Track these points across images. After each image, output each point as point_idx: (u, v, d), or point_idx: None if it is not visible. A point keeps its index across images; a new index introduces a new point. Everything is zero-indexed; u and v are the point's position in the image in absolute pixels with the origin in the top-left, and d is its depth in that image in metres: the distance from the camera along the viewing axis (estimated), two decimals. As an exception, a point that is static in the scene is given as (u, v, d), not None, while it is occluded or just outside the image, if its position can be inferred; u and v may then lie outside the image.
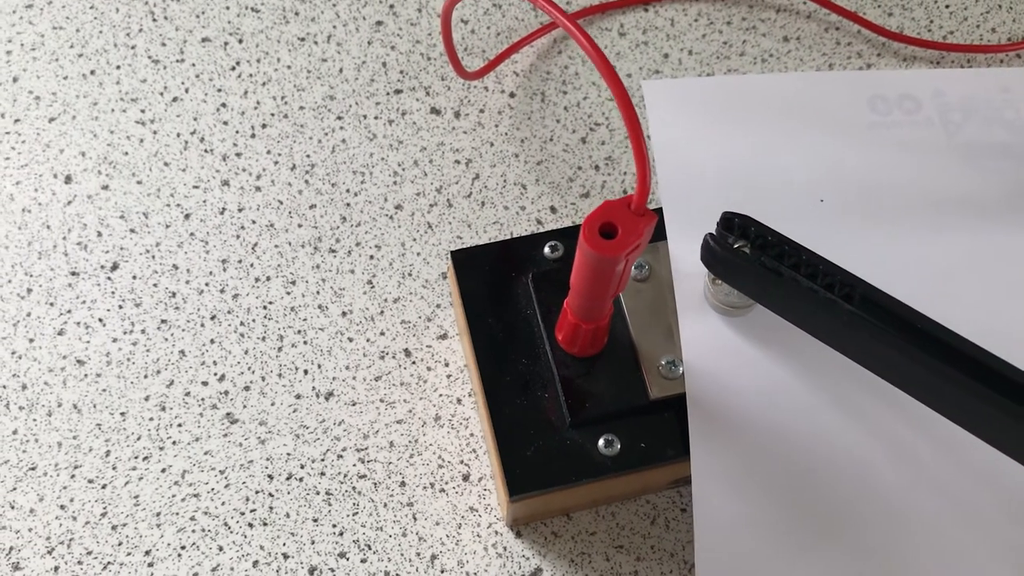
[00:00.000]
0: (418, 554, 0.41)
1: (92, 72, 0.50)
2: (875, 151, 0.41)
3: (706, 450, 0.37)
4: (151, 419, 0.43)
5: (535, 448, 0.38)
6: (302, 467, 0.43)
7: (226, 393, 0.44)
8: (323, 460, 0.43)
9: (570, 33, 0.30)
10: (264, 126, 0.49)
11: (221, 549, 0.41)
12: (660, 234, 0.40)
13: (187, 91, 0.50)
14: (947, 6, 0.53)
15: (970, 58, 0.51)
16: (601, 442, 0.38)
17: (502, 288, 0.40)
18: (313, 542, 0.42)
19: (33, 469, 0.43)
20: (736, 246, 0.35)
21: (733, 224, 0.35)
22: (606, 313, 0.36)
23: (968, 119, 0.42)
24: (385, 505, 0.42)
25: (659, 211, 0.40)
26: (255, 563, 0.41)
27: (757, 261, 0.35)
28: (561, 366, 0.38)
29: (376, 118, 0.49)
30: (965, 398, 0.32)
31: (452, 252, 0.41)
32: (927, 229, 0.40)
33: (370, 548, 0.41)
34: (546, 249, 0.41)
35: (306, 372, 0.44)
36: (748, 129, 0.41)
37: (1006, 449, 0.33)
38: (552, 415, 0.38)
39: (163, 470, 0.43)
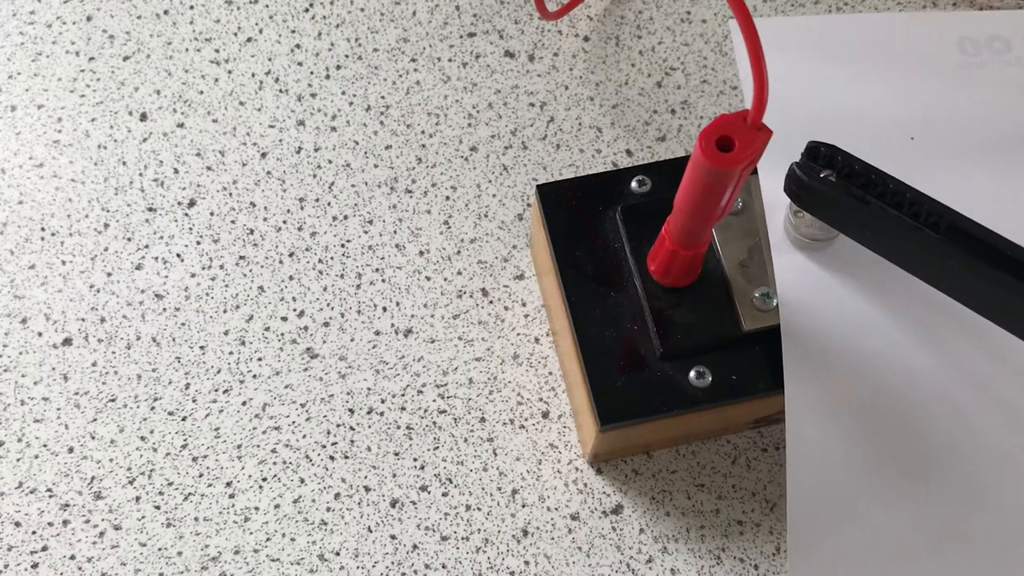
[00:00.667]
0: (499, 488, 0.41)
1: (166, 12, 0.50)
2: (965, 91, 0.41)
3: (800, 382, 0.37)
4: (231, 353, 0.43)
5: (625, 379, 0.38)
6: (382, 402, 0.43)
7: (305, 328, 0.44)
8: (403, 395, 0.43)
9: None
10: (338, 67, 0.49)
11: (303, 481, 0.41)
12: (751, 168, 0.40)
13: (261, 32, 0.50)
14: (1024, -44, 0.52)
15: (1048, 8, 0.51)
16: (692, 374, 0.37)
17: (588, 222, 0.40)
18: (395, 475, 0.42)
19: (113, 401, 0.43)
20: (822, 175, 0.35)
21: (819, 153, 0.35)
22: (706, 239, 0.35)
23: None
24: (466, 440, 0.42)
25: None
26: (336, 495, 0.41)
27: (844, 190, 0.34)
28: (652, 298, 0.38)
29: (450, 60, 0.49)
30: None
31: (538, 185, 0.41)
32: (1019, 168, 0.40)
33: (451, 482, 0.41)
34: (633, 184, 0.41)
35: (385, 309, 0.44)
36: (837, 68, 0.41)
37: None
38: (642, 347, 0.38)
39: (244, 403, 0.43)
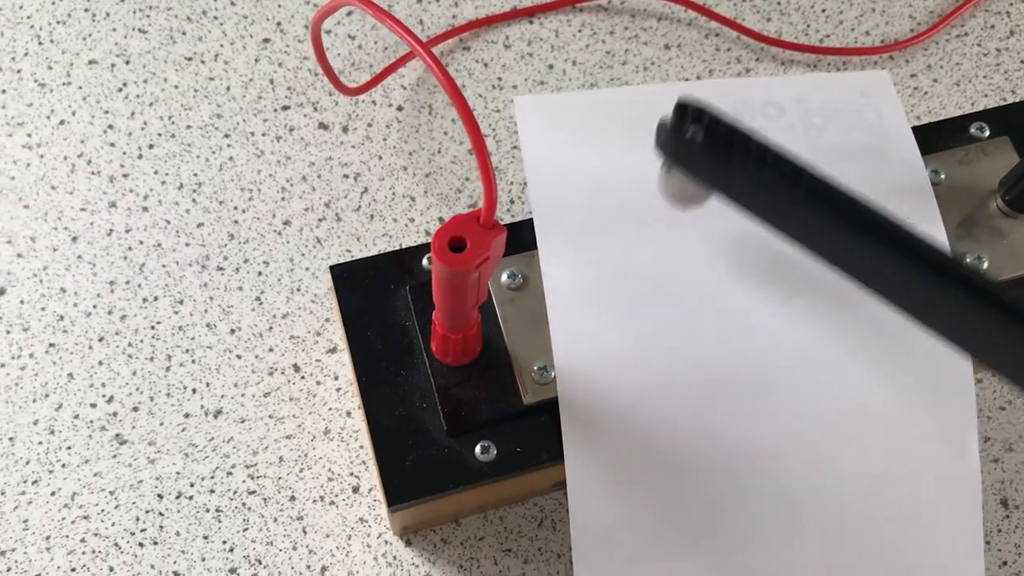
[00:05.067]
0: (308, 567, 0.42)
1: (-23, 97, 0.50)
2: None
3: (579, 452, 0.38)
4: (40, 443, 0.43)
5: (413, 458, 0.38)
6: (191, 485, 0.43)
7: (115, 414, 0.44)
8: (212, 478, 0.43)
9: (419, 56, 0.30)
10: (151, 146, 0.49)
11: (112, 570, 0.42)
12: (531, 243, 0.41)
13: (74, 114, 0.50)
14: (823, 10, 0.54)
15: (845, 60, 0.53)
16: (477, 449, 0.38)
17: (382, 301, 0.41)
18: (204, 559, 0.42)
19: (-80, 498, 0.43)
20: (689, 133, 0.35)
21: (687, 111, 0.36)
22: (472, 323, 0.36)
23: (829, 123, 0.43)
24: (275, 520, 0.43)
25: (529, 222, 0.41)
26: (145, 582, 0.42)
27: (709, 146, 0.35)
28: (438, 375, 0.39)
29: (264, 135, 0.50)
30: (900, 277, 0.33)
31: (331, 267, 0.41)
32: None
33: (260, 563, 0.42)
34: (424, 261, 0.42)
35: (195, 391, 0.45)
36: (616, 141, 0.42)
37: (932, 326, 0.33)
38: (430, 425, 0.39)
39: (52, 493, 0.43)
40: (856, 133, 0.43)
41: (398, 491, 0.38)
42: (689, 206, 0.39)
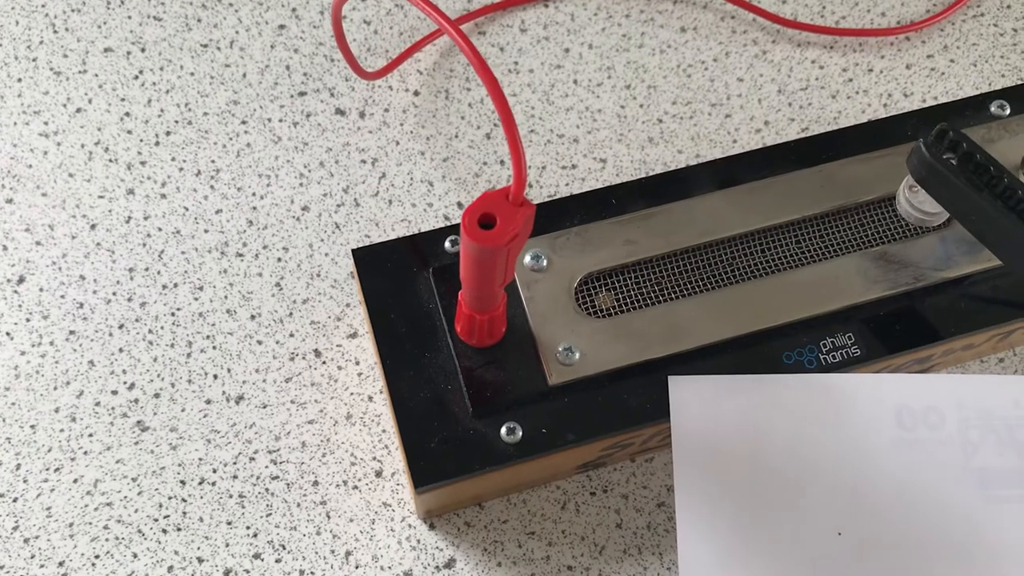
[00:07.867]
0: (332, 551, 0.42)
1: (-8, 86, 0.50)
2: (897, 474, 0.40)
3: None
4: (62, 430, 0.43)
5: (439, 440, 0.38)
6: (214, 471, 0.43)
7: (136, 401, 0.44)
8: (235, 463, 0.43)
9: (447, 33, 0.30)
10: (168, 133, 0.49)
11: (135, 556, 0.42)
12: (553, 225, 0.41)
13: (90, 102, 0.50)
14: (839, -8, 0.54)
15: (862, 42, 0.53)
16: (503, 430, 0.38)
17: (405, 284, 0.41)
18: (227, 545, 0.42)
19: (-58, 486, 0.42)
20: (945, 156, 0.37)
21: (946, 136, 0.37)
22: (498, 303, 0.36)
23: (984, 438, 0.41)
24: (298, 505, 0.43)
25: (551, 204, 0.41)
26: (170, 568, 0.41)
27: (961, 174, 0.37)
28: (463, 357, 0.39)
29: (281, 121, 0.50)
30: None
31: (354, 250, 0.41)
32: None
33: (284, 548, 0.42)
34: (447, 244, 0.41)
35: (216, 377, 0.45)
36: (771, 433, 0.40)
37: None
38: (455, 406, 0.39)
39: (75, 480, 0.43)
40: (1008, 454, 0.41)
41: (424, 473, 0.38)
42: (927, 223, 0.40)
